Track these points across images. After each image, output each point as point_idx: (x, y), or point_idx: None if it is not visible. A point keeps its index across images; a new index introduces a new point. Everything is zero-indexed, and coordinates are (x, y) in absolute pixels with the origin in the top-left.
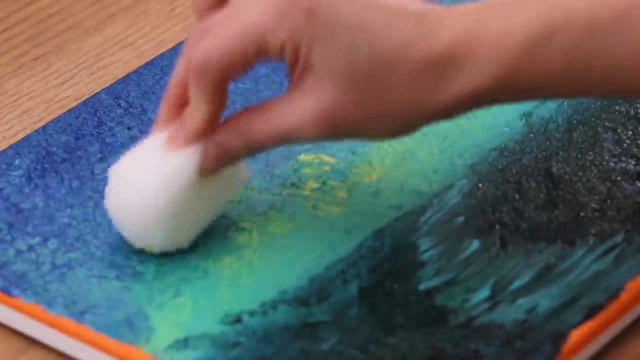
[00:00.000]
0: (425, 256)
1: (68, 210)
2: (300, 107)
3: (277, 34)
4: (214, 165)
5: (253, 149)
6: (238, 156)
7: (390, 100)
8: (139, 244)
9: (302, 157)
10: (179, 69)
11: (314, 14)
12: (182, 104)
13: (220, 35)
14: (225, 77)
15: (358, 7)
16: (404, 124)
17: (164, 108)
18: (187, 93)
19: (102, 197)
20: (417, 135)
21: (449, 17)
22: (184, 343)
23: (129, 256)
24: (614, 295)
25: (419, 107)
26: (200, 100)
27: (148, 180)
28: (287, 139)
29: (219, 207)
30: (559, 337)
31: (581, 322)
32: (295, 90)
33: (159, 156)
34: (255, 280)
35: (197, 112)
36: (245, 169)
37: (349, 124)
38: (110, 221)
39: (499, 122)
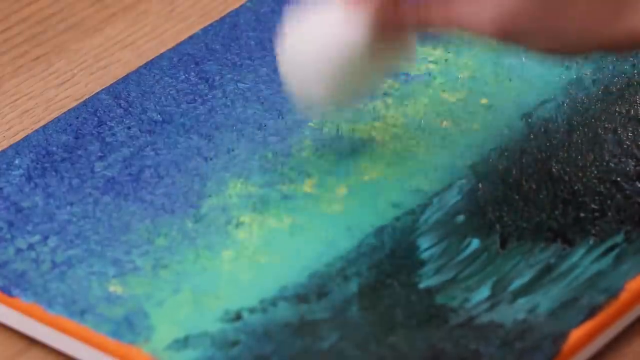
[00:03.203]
0: (425, 255)
1: (68, 207)
2: (483, 5)
3: None
4: (386, 30)
5: (425, 26)
6: (411, 29)
7: (570, 17)
8: (305, 96)
9: (304, 153)
10: None
11: None
12: None
13: None
14: None
15: None
16: (576, 44)
17: None
18: None
19: (102, 194)
20: (418, 134)
21: None
22: (183, 342)
23: (128, 252)
24: (614, 295)
25: (594, 31)
26: None
27: (320, 34)
28: (462, 28)
29: (382, 74)
30: (559, 337)
31: (581, 322)
32: None
33: (336, 11)
34: (255, 276)
35: None
36: (414, 49)
37: (525, 31)
38: (110, 217)
39: (499, 123)
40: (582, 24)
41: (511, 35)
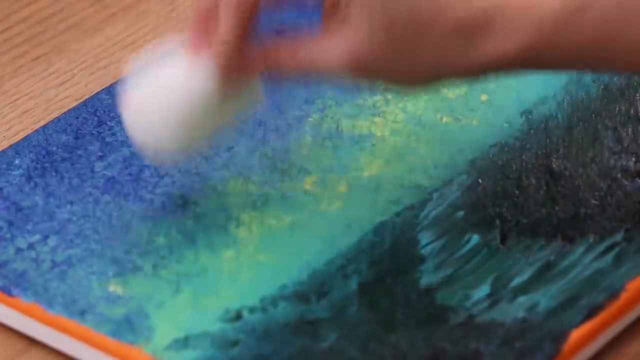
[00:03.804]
0: (425, 251)
1: (68, 207)
2: (334, 45)
3: None
4: (233, 77)
5: (276, 69)
6: (257, 74)
7: (421, 52)
8: (151, 146)
9: (303, 150)
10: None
11: None
12: (210, 29)
13: None
14: (258, 10)
15: None
16: (430, 76)
17: (190, 33)
18: (214, 23)
19: (102, 194)
20: (417, 130)
21: None
22: (183, 342)
23: (128, 251)
24: (614, 295)
25: (448, 63)
26: (231, 18)
27: (166, 82)
28: (314, 69)
29: (229, 120)
30: (559, 337)
31: (581, 322)
32: (330, 32)
33: (180, 61)
34: (255, 274)
35: (226, 27)
36: (261, 90)
37: (378, 67)
38: (110, 216)
39: (499, 118)
40: (435, 57)
41: (364, 72)
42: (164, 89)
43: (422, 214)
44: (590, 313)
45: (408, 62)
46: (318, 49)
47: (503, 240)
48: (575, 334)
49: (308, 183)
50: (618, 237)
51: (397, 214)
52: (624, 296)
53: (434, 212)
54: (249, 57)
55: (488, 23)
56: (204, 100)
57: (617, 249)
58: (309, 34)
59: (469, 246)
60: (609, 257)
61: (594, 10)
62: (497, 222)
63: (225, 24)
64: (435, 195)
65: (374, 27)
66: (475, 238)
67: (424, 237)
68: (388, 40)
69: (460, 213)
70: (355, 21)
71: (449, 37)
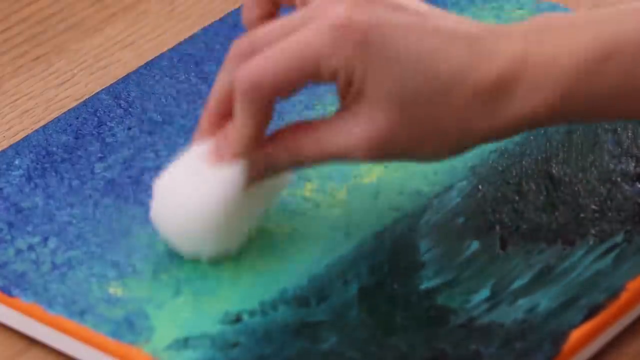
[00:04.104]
0: (426, 257)
1: (68, 209)
2: (352, 130)
3: (332, 60)
4: (260, 178)
5: (300, 165)
6: (284, 170)
7: (443, 125)
8: (188, 254)
9: None
10: (224, 79)
11: (366, 44)
12: (224, 114)
13: (274, 56)
14: (275, 97)
15: (411, 36)
16: (454, 147)
17: (206, 118)
18: (230, 105)
19: (102, 196)
20: None
21: (498, 41)
22: (183, 343)
23: (128, 254)
24: (614, 295)
25: (472, 131)
26: (247, 117)
27: (196, 194)
28: (335, 159)
29: (263, 211)
30: (559, 337)
31: (581, 322)
32: (347, 113)
33: (204, 169)
34: (255, 279)
35: (244, 129)
36: (288, 175)
37: (400, 148)
38: (110, 219)
39: None
40: (458, 125)
41: (390, 153)
42: (193, 198)
43: (422, 221)
44: (590, 313)
45: (431, 136)
46: (336, 135)
47: (503, 246)
48: (575, 334)
49: (308, 189)
50: (618, 238)
51: (397, 221)
52: (624, 296)
53: (434, 219)
54: (271, 154)
55: (510, 84)
56: (235, 203)
57: (617, 250)
58: (325, 118)
59: (469, 252)
60: (609, 258)
61: (614, 61)
62: (497, 228)
63: (243, 126)
64: (435, 202)
65: (392, 103)
66: (475, 244)
67: (424, 244)
68: (407, 116)
69: (461, 219)
70: (371, 98)
71: (471, 104)
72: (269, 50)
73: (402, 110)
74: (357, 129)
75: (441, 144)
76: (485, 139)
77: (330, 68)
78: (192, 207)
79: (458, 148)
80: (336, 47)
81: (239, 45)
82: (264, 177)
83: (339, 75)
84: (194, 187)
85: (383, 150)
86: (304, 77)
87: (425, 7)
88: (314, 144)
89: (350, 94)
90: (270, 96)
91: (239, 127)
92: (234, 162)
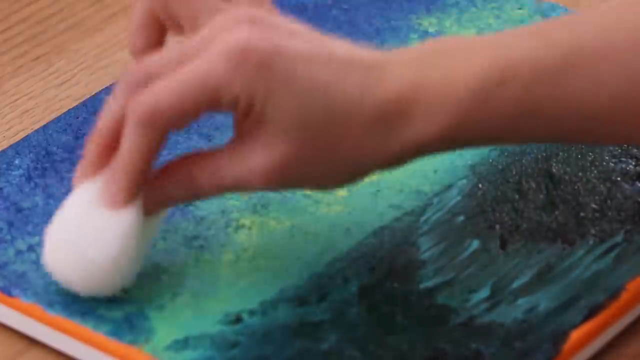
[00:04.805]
0: (425, 256)
1: None
2: (250, 159)
3: (232, 87)
4: (155, 212)
5: (197, 198)
6: (181, 203)
7: (343, 152)
8: (84, 293)
9: None
10: (115, 109)
11: (267, 68)
12: (113, 146)
13: (172, 85)
14: (169, 128)
15: (308, 63)
16: (353, 174)
17: (92, 149)
18: (119, 136)
19: None
20: None
21: (393, 67)
22: (183, 343)
23: None
24: (614, 295)
25: (371, 157)
26: (137, 149)
27: (94, 242)
28: (233, 190)
29: (151, 243)
30: (559, 337)
31: (581, 322)
32: (244, 142)
33: (98, 212)
34: (255, 278)
35: (136, 162)
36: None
37: (299, 177)
38: None
39: None
40: (355, 152)
41: (288, 182)
42: (87, 242)
43: (422, 219)
44: (590, 313)
45: (327, 162)
46: (232, 165)
47: (503, 245)
48: (575, 334)
49: None
50: (618, 238)
51: (397, 219)
52: (624, 296)
53: (434, 217)
54: (164, 184)
55: (405, 110)
56: (133, 241)
57: (617, 250)
58: (221, 148)
59: (469, 251)
60: (609, 258)
61: (509, 84)
62: (497, 227)
63: (136, 158)
64: (435, 200)
65: (291, 130)
66: (475, 243)
67: (424, 242)
68: (307, 143)
69: (461, 218)
70: (271, 123)
71: (367, 132)
72: (166, 78)
73: (302, 139)
74: (253, 157)
75: (339, 173)
76: (383, 165)
77: (232, 94)
78: (92, 255)
79: (355, 176)
80: (237, 72)
81: (132, 73)
82: (159, 210)
83: (239, 101)
84: (90, 235)
85: (281, 180)
86: (203, 105)
87: (317, 35)
88: (211, 176)
89: (249, 120)
90: (166, 126)
91: (127, 160)
92: (129, 204)
